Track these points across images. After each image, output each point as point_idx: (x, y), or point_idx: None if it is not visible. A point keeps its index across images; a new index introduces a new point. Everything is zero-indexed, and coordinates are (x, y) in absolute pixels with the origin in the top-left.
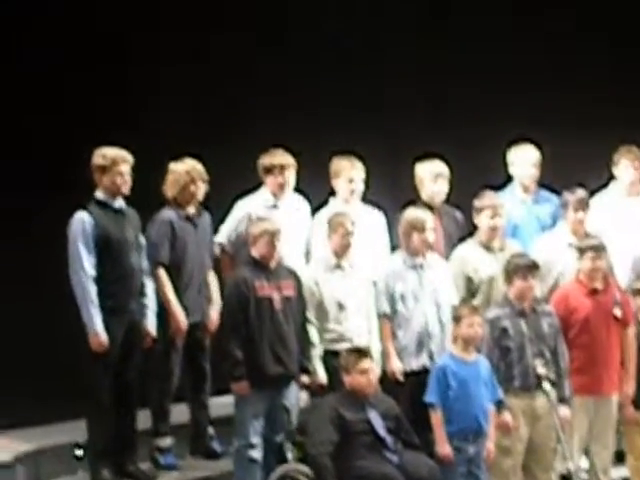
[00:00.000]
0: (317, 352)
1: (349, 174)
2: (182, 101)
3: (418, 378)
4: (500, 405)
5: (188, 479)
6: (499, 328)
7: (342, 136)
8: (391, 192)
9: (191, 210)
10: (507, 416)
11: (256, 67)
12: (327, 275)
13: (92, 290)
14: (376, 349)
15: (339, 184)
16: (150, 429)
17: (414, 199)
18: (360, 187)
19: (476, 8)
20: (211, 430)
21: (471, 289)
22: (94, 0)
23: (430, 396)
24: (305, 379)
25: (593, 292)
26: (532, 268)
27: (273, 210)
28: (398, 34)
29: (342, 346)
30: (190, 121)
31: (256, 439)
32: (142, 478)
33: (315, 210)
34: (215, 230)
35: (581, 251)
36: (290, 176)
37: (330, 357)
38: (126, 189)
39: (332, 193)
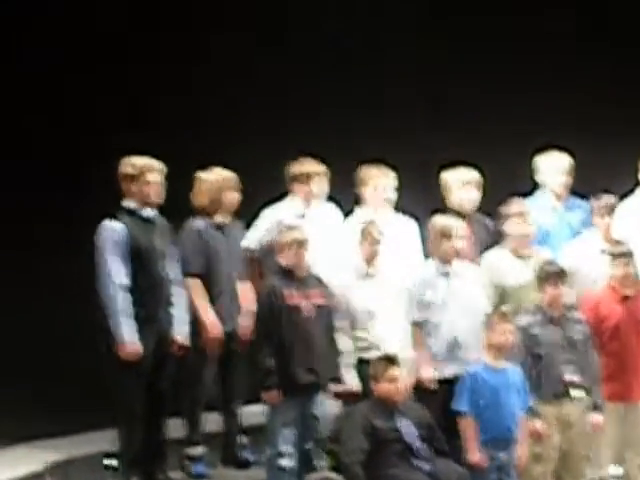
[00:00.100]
0: (349, 360)
1: (376, 182)
2: (182, 101)
3: (450, 386)
4: (531, 412)
5: None
6: (530, 335)
7: (342, 136)
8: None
9: (220, 218)
10: (538, 423)
11: (256, 67)
12: (357, 283)
13: (124, 299)
14: (409, 357)
15: (367, 192)
16: (182, 438)
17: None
18: (392, 195)
19: (476, 8)
20: (244, 439)
21: (502, 296)
22: (94, 0)
23: (460, 404)
24: (335, 387)
25: (624, 299)
26: (562, 275)
27: (303, 219)
28: (398, 34)
29: (372, 354)
30: (190, 121)
31: (286, 447)
32: None
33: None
34: None
35: (613, 257)
36: (321, 184)
37: (362, 365)
38: (157, 198)
39: (357, 202)
